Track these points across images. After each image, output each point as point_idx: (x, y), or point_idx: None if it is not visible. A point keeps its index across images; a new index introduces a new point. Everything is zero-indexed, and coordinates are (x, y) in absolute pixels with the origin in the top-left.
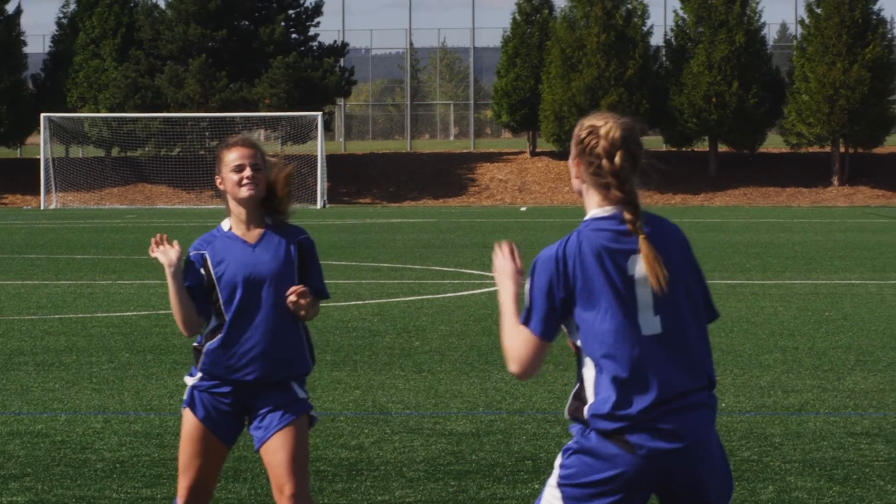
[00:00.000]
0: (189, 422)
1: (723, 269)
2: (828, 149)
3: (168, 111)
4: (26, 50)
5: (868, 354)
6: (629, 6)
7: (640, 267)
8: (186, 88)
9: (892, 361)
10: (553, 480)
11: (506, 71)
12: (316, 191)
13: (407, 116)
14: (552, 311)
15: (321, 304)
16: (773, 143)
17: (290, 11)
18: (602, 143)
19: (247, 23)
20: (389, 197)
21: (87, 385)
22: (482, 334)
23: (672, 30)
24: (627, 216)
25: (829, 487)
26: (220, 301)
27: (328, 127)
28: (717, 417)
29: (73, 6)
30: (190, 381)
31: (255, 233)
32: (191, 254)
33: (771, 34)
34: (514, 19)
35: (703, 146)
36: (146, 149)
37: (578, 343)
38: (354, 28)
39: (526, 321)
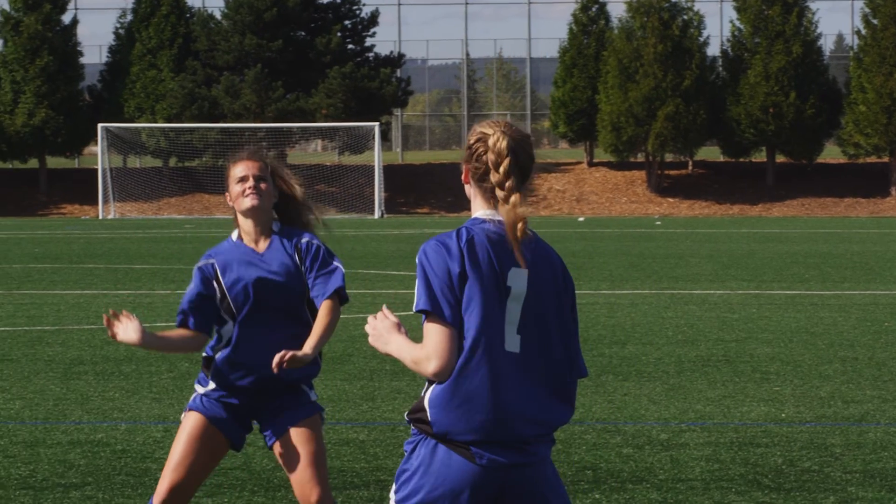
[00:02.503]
0: (193, 419)
1: (781, 279)
2: (886, 159)
3: (225, 121)
4: (83, 60)
5: None
6: (686, 17)
7: (520, 281)
8: (243, 98)
9: None
10: (392, 498)
11: (563, 81)
12: (374, 201)
13: (464, 127)
14: (456, 299)
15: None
16: (831, 154)
17: (347, 22)
18: (490, 154)
19: (303, 33)
20: (447, 207)
21: (147, 394)
22: None
23: (728, 40)
24: (509, 227)
25: (890, 498)
26: (232, 308)
27: (385, 137)
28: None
29: (129, 17)
30: (201, 389)
31: (263, 243)
32: (200, 263)
33: (827, 45)
34: (570, 30)
35: (760, 157)
36: (203, 159)
37: None
38: (411, 39)
39: (438, 313)
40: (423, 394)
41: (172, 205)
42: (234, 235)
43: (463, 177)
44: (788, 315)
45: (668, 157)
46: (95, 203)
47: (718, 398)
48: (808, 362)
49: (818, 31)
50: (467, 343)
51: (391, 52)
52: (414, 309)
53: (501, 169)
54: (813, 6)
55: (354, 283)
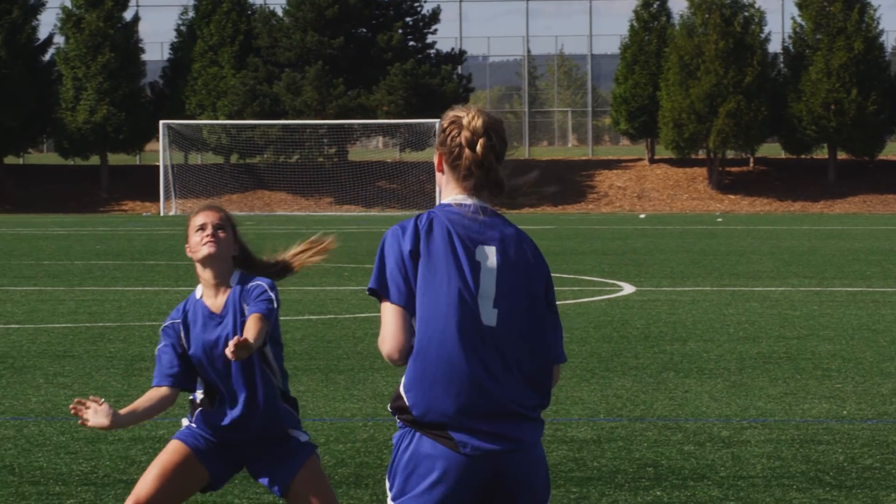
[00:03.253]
0: (175, 446)
1: (843, 276)
2: None
3: (286, 118)
4: (144, 57)
5: None
6: (747, 13)
7: (489, 257)
8: (304, 95)
9: None
10: (389, 501)
11: (624, 78)
12: (434, 198)
13: (525, 123)
14: (406, 280)
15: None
16: (893, 151)
17: (408, 19)
18: (464, 132)
19: (364, 30)
20: (508, 203)
21: None
22: (602, 341)
23: (790, 37)
24: (480, 204)
25: None
26: (197, 370)
27: None
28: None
29: (191, 14)
30: (185, 421)
31: (221, 300)
32: (166, 323)
33: (889, 41)
34: (631, 26)
35: (822, 154)
36: (265, 155)
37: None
38: (472, 35)
39: (384, 293)
40: (401, 381)
41: (234, 201)
42: (198, 292)
43: (436, 164)
44: (850, 312)
45: (730, 154)
46: (157, 200)
47: (780, 395)
48: (870, 359)
49: (880, 27)
50: (428, 319)
51: (452, 49)
52: (367, 287)
53: (478, 148)
54: (874, 2)
55: None
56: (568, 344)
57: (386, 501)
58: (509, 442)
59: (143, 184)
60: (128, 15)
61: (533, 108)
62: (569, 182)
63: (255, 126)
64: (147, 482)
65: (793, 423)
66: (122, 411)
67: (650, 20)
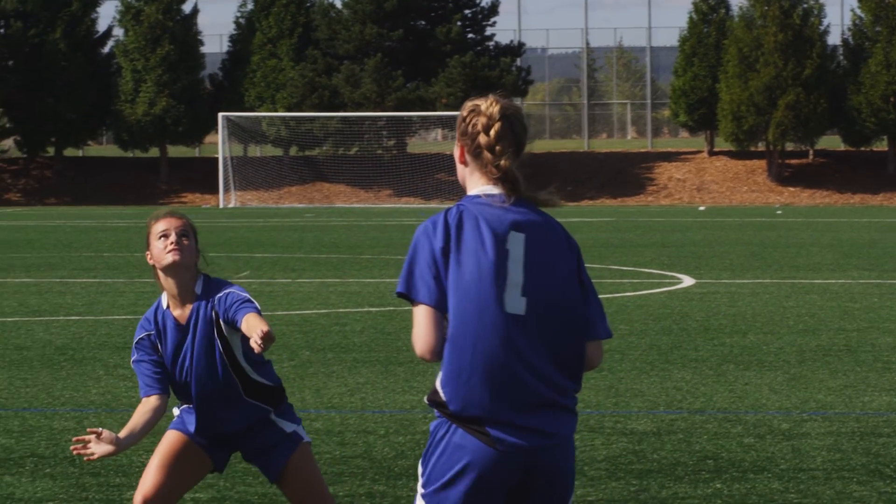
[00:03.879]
0: (171, 435)
1: None
2: None
3: (345, 110)
4: (203, 49)
5: None
6: (806, 5)
7: (518, 244)
8: (363, 88)
9: None
10: (418, 489)
11: (683, 70)
12: None
13: (584, 116)
14: (437, 278)
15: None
16: None
17: (467, 11)
18: (481, 118)
19: (423, 22)
20: (567, 196)
21: None
22: (662, 333)
23: (849, 29)
24: (505, 192)
25: None
26: (171, 379)
27: None
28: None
29: (250, 6)
30: (177, 410)
31: (187, 309)
32: (139, 336)
33: None
34: (690, 18)
35: (881, 146)
36: (324, 148)
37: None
38: (530, 28)
39: (413, 294)
40: (437, 376)
41: (293, 193)
42: (164, 302)
43: (458, 156)
44: None
45: (789, 147)
46: (216, 192)
47: (840, 388)
48: None
49: None
50: (460, 314)
51: (511, 41)
52: (395, 291)
53: (492, 131)
54: None
55: None
56: (627, 336)
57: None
58: (544, 437)
59: (202, 176)
60: (187, 7)
61: (592, 100)
62: (628, 174)
63: (314, 118)
64: (151, 476)
65: (853, 416)
66: (122, 433)
67: (709, 12)
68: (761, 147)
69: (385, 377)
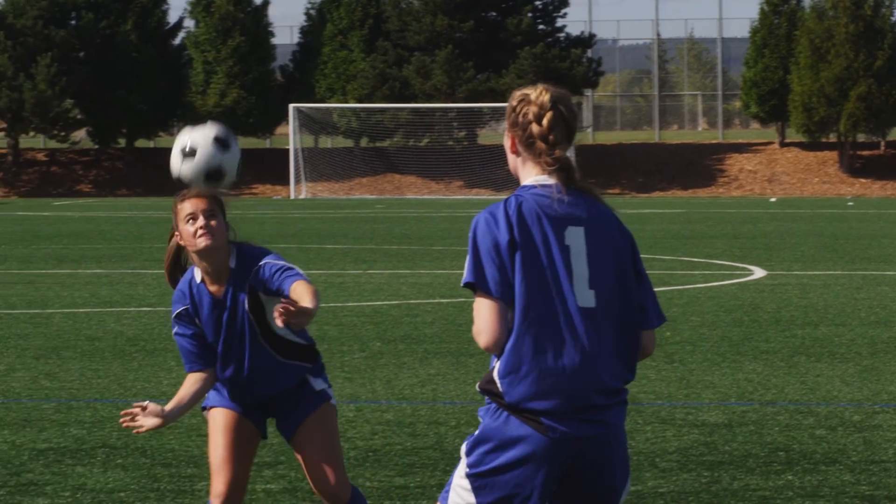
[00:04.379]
0: (218, 412)
1: None
2: None
3: (416, 102)
4: (274, 41)
5: None
6: None
7: (578, 238)
8: (434, 79)
9: None
10: (461, 469)
11: (754, 61)
12: None
13: (655, 107)
14: (503, 270)
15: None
16: None
17: (537, 2)
18: (532, 107)
19: (494, 14)
20: (638, 188)
21: (339, 374)
22: (733, 325)
23: None
24: (560, 182)
25: None
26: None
27: None
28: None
29: None
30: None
31: (223, 284)
32: (177, 310)
33: None
34: (761, 9)
35: None
36: (394, 139)
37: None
38: (601, 19)
39: (481, 285)
40: (492, 365)
41: (364, 185)
42: (198, 276)
43: (509, 146)
44: None
45: (861, 138)
46: (287, 183)
47: None
48: None
49: None
50: (527, 312)
51: (582, 33)
52: (462, 283)
53: (545, 121)
54: None
55: None
56: (699, 328)
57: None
58: (596, 426)
59: (273, 167)
60: None
61: (663, 91)
62: (699, 166)
63: (384, 110)
64: (223, 461)
65: None
66: (169, 405)
67: (780, 3)
68: (833, 138)
69: (456, 368)
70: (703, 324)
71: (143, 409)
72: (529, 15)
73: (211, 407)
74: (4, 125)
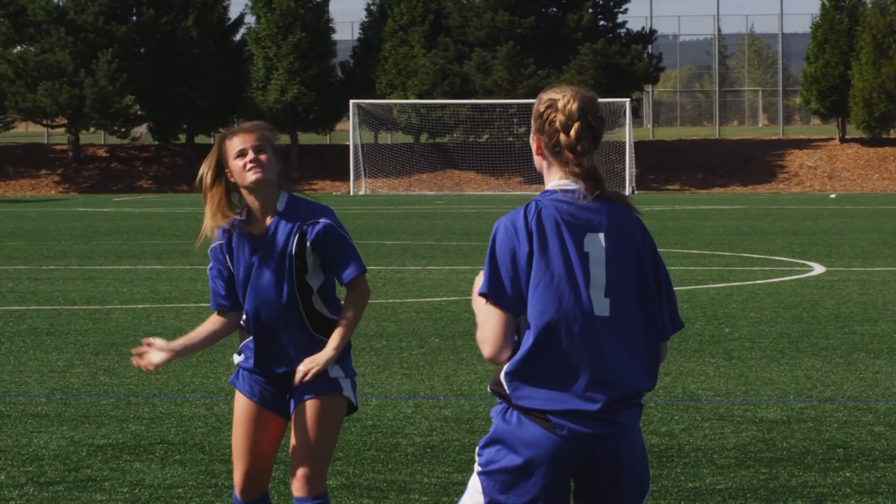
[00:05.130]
0: (240, 402)
1: None
2: None
3: (476, 98)
4: (335, 37)
5: None
6: None
7: (597, 245)
8: (494, 75)
9: None
10: (476, 468)
11: (815, 57)
12: (624, 177)
13: (715, 103)
14: (517, 284)
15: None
16: None
17: None
18: (559, 116)
19: (554, 10)
20: (698, 183)
21: (398, 370)
22: (792, 322)
23: None
24: (586, 190)
25: None
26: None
27: (636, 113)
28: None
29: None
30: (237, 359)
31: (266, 222)
32: (213, 244)
33: None
34: (822, 5)
35: None
36: (454, 135)
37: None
38: (662, 15)
39: (495, 297)
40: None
41: (423, 181)
42: (245, 213)
43: (535, 149)
44: None
45: None
46: (347, 179)
47: None
48: None
49: None
50: (543, 318)
51: (642, 28)
52: (478, 291)
53: (573, 132)
54: None
55: None
56: (757, 324)
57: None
58: (608, 425)
59: (332, 163)
60: None
61: (723, 87)
62: (759, 162)
63: (445, 105)
64: (243, 451)
65: None
66: (179, 340)
67: None
68: (893, 134)
69: None
70: (762, 320)
71: (150, 345)
72: (590, 11)
73: (238, 391)
74: (65, 121)
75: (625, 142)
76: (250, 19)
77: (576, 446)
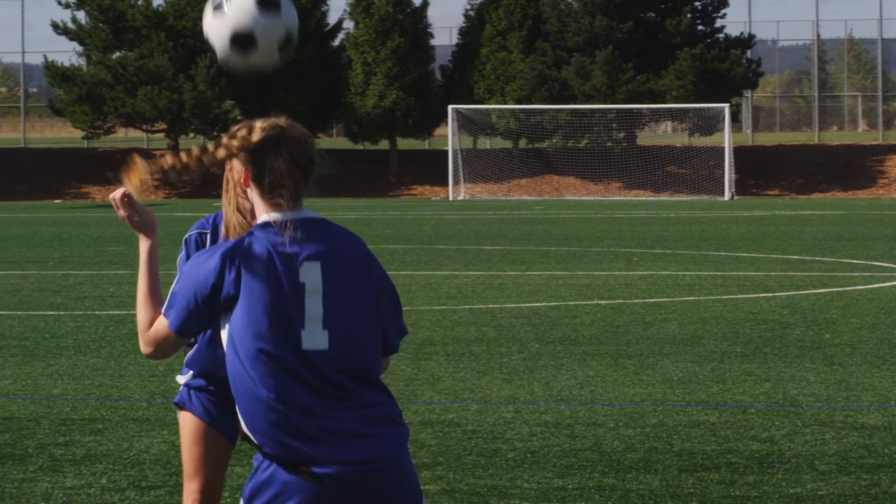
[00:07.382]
0: (189, 422)
1: None
2: None
3: (575, 103)
4: (433, 42)
5: None
6: None
7: (314, 275)
8: (593, 80)
9: None
10: None
11: None
12: (724, 183)
13: (815, 108)
14: (196, 311)
15: None
16: None
17: (697, 3)
18: (261, 146)
19: (653, 14)
20: (798, 189)
21: (498, 375)
22: (893, 327)
23: None
24: (290, 222)
25: None
26: None
27: (735, 119)
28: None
29: None
30: (182, 379)
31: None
32: (194, 232)
33: None
34: None
35: None
36: (553, 140)
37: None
38: (761, 20)
39: (169, 319)
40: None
41: (522, 186)
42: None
43: (242, 179)
44: None
45: None
46: (445, 184)
47: None
48: None
49: None
50: (250, 357)
51: (741, 34)
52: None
53: (277, 162)
54: None
55: (705, 265)
56: (858, 330)
57: None
58: (368, 463)
59: (431, 168)
60: (416, 0)
61: (822, 92)
62: (858, 167)
63: (543, 111)
64: (194, 470)
65: None
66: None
67: None
68: None
69: (615, 370)
70: (863, 326)
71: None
72: (689, 16)
73: (184, 409)
74: (164, 126)
75: (724, 147)
76: (348, 24)
77: (343, 488)
